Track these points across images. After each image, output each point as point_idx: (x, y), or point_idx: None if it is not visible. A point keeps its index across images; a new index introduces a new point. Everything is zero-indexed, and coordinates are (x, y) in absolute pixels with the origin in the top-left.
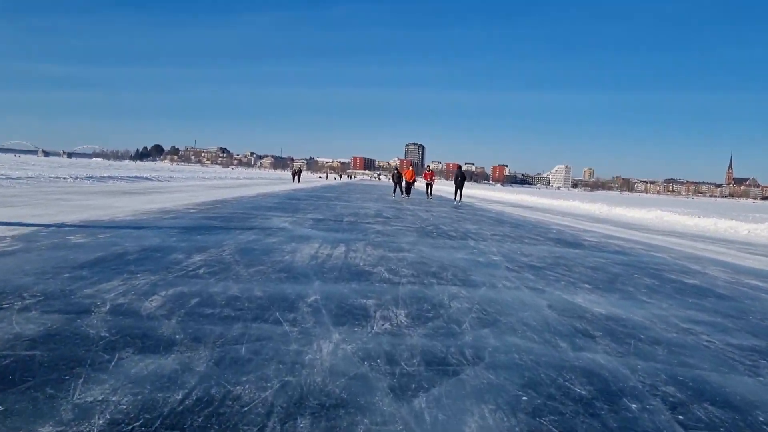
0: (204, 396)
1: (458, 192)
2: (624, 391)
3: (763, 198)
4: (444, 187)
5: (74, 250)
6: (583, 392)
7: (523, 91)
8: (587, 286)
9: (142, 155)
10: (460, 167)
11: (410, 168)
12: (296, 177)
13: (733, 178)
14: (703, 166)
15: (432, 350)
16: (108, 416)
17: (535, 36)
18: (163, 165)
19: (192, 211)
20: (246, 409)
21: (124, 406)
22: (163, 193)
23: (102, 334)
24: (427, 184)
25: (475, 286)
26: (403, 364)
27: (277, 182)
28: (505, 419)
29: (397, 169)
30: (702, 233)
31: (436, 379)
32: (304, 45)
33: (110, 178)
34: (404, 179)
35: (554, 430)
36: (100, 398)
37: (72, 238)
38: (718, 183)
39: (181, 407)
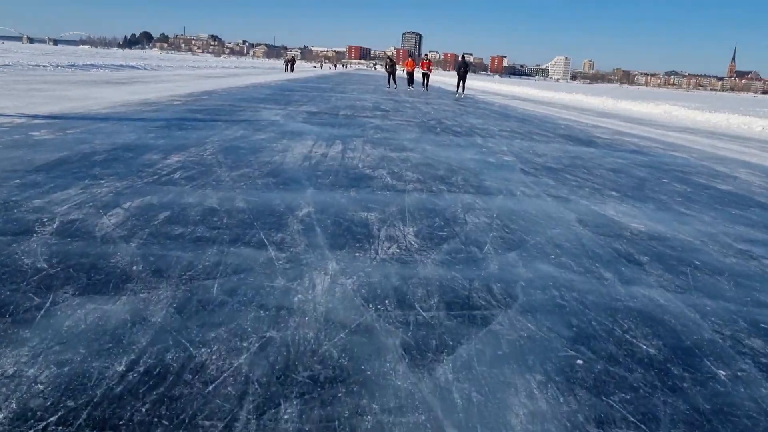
0: (155, 367)
1: (461, 84)
2: (702, 348)
3: (764, 92)
4: (443, 78)
5: (34, 149)
6: (651, 350)
7: None
8: (614, 193)
9: (131, 43)
10: (463, 57)
11: (410, 58)
12: (289, 66)
13: (736, 71)
14: (705, 58)
15: (452, 285)
16: (13, 404)
17: None
18: (153, 53)
19: (176, 103)
20: (210, 389)
21: (41, 386)
22: (149, 83)
23: (39, 266)
24: (423, 74)
25: (490, 194)
26: (418, 308)
27: (270, 72)
28: (562, 399)
29: (390, 58)
30: (714, 129)
31: (462, 332)
32: None
33: (93, 66)
34: (405, 70)
35: (630, 417)
36: (10, 372)
37: (36, 134)
38: (719, 76)
39: (119, 387)
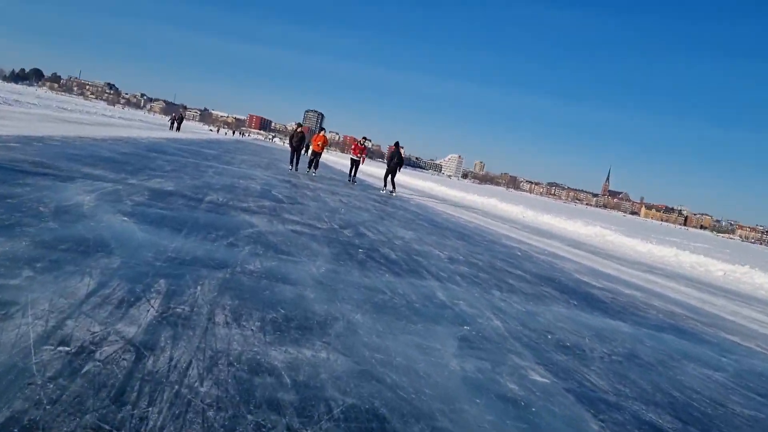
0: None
1: (389, 179)
2: None
3: (632, 213)
4: (340, 160)
5: None
6: None
7: (420, 74)
8: None
9: (18, 77)
10: (398, 144)
11: (322, 133)
12: (175, 124)
13: (609, 190)
14: (584, 174)
15: None
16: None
17: (433, 16)
18: (38, 91)
19: None
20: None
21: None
22: None
23: None
24: (353, 162)
25: None
26: None
27: (155, 128)
28: None
29: (300, 127)
30: (678, 270)
31: None
32: None
33: None
34: (310, 147)
35: None
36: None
37: None
38: (594, 192)
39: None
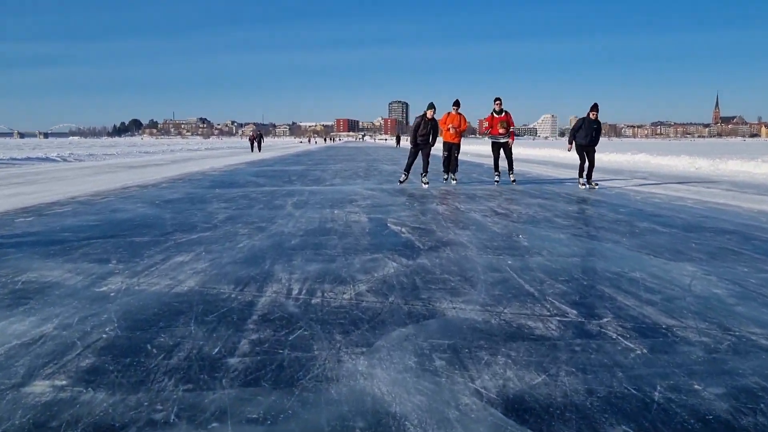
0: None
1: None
2: None
3: (752, 135)
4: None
5: None
6: None
7: (501, 41)
8: None
9: (120, 131)
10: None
11: (453, 110)
12: (255, 145)
13: (720, 117)
14: (689, 106)
15: None
16: None
17: None
18: (133, 140)
19: None
20: None
21: None
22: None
23: None
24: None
25: None
26: None
27: (240, 152)
28: None
29: (431, 110)
30: None
31: None
32: (278, 8)
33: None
34: (439, 137)
35: None
36: None
37: None
38: (705, 123)
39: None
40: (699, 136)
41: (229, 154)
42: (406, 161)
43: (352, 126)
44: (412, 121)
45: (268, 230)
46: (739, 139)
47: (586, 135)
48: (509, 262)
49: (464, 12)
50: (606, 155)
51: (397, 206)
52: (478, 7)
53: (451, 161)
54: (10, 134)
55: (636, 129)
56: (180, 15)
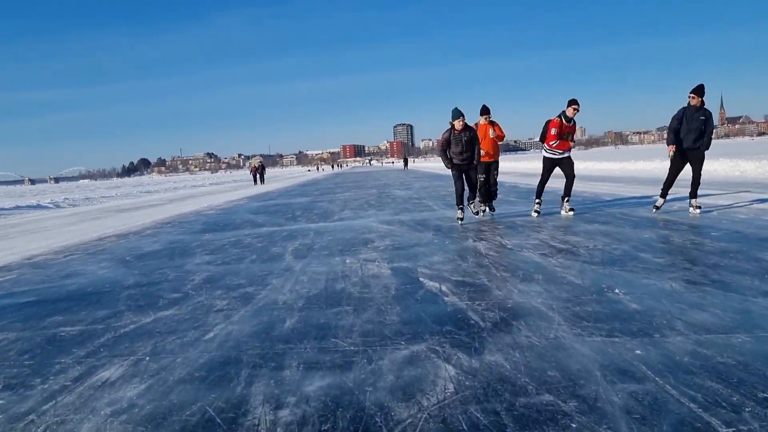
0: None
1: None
2: None
3: (760, 134)
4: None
5: None
6: None
7: (500, 57)
8: None
9: (129, 171)
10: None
11: (483, 120)
12: (257, 176)
13: (726, 118)
14: None
15: None
16: None
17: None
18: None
19: None
20: None
21: None
22: None
23: None
24: (487, 168)
25: None
26: None
27: (243, 186)
28: None
29: (452, 130)
30: None
31: None
32: (278, 40)
33: None
34: (474, 152)
35: None
36: None
37: None
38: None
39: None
40: None
41: (233, 188)
42: (453, 190)
43: (358, 151)
44: (417, 143)
45: (255, 300)
46: (747, 138)
47: (688, 131)
48: (637, 352)
49: (462, 28)
50: (632, 164)
51: (425, 246)
52: (475, 22)
53: (488, 184)
54: (21, 181)
55: (642, 135)
56: (180, 53)
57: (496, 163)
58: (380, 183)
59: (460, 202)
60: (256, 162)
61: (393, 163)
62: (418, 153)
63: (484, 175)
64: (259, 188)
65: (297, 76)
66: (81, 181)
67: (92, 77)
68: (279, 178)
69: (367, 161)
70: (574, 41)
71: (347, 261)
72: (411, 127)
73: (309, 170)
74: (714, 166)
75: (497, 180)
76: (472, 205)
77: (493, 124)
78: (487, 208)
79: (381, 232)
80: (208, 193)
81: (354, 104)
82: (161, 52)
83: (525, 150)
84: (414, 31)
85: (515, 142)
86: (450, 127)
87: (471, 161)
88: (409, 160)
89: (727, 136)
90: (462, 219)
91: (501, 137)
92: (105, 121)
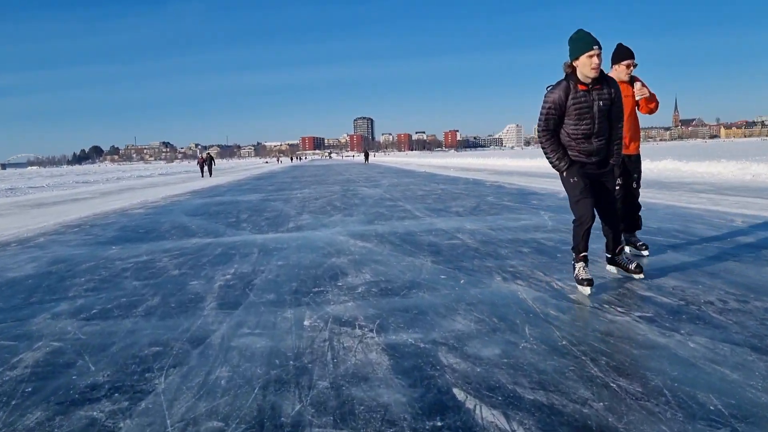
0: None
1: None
2: None
3: (712, 137)
4: (402, 159)
5: None
6: None
7: (465, 53)
8: None
9: (80, 158)
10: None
11: (626, 68)
12: (205, 168)
13: (680, 120)
14: None
15: None
16: None
17: None
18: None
19: None
20: None
21: None
22: None
23: None
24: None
25: None
26: None
27: (191, 178)
28: None
29: (571, 80)
30: None
31: None
32: (239, 29)
33: None
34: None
35: None
36: None
37: None
38: (666, 126)
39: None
40: (660, 140)
41: (181, 180)
42: (575, 229)
43: (317, 144)
44: (378, 136)
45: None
46: (700, 140)
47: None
48: None
49: (428, 25)
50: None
51: (429, 288)
52: (440, 20)
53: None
54: None
55: None
56: (138, 39)
57: (638, 159)
58: (343, 178)
59: (586, 247)
60: (205, 154)
61: (353, 156)
62: (378, 147)
63: (620, 184)
64: (208, 181)
65: (256, 67)
66: (29, 168)
67: (45, 62)
68: (234, 170)
69: (327, 154)
70: (532, 41)
71: (305, 323)
72: (371, 120)
73: (267, 162)
74: (709, 168)
75: (637, 193)
76: (621, 256)
77: (634, 83)
78: (634, 247)
79: (354, 254)
80: (151, 186)
81: (314, 96)
82: (119, 38)
83: (484, 146)
84: (375, 24)
85: (474, 138)
86: (564, 77)
87: (607, 157)
88: (369, 153)
89: (680, 138)
90: (592, 284)
91: (653, 105)
92: (55, 107)
